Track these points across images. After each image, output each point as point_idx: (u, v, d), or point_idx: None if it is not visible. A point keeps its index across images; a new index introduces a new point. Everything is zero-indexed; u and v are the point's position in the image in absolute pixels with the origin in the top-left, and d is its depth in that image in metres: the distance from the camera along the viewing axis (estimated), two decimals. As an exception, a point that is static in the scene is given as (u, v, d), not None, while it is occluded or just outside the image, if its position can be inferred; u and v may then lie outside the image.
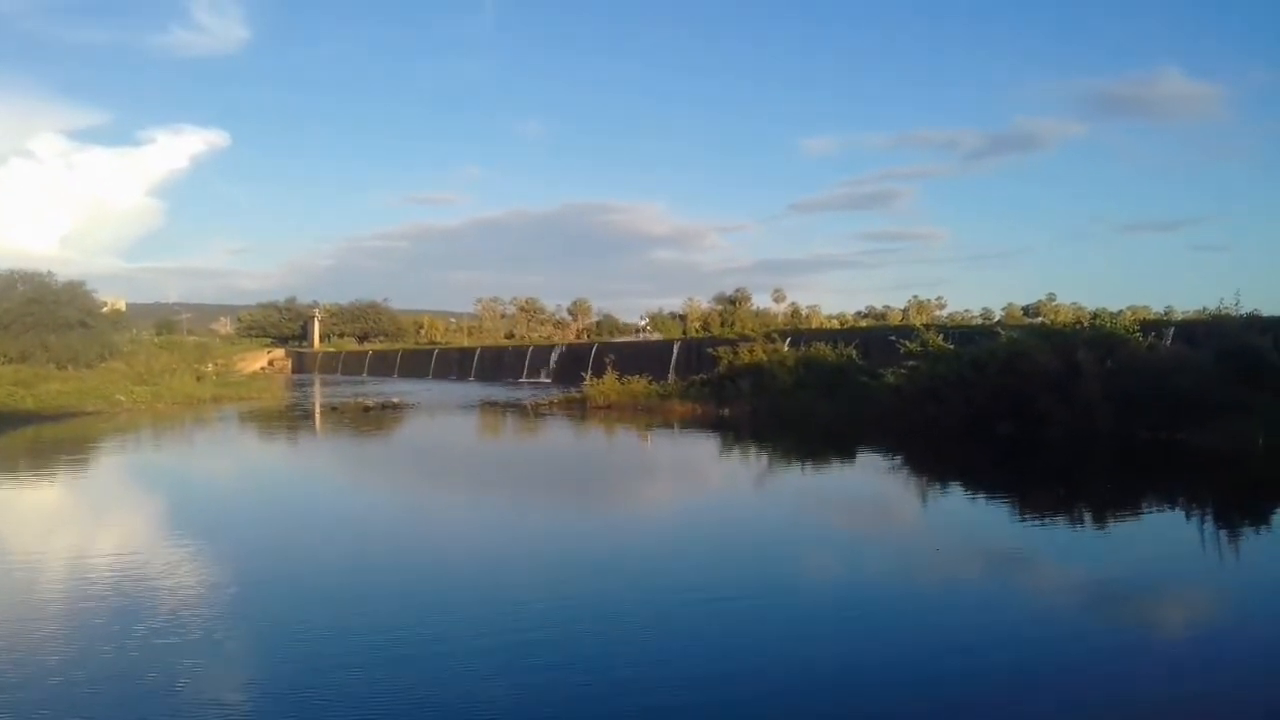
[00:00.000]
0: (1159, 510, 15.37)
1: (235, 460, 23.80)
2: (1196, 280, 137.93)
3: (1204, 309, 29.47)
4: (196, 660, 7.30)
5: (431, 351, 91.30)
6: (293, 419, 37.47)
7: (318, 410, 42.91)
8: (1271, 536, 13.05)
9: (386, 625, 8.20)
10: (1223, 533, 13.07)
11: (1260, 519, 14.26)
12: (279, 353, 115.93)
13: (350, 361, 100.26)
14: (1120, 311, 35.20)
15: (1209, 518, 14.39)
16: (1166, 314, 61.63)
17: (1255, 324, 24.35)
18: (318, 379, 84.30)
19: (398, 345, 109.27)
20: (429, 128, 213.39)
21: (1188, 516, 14.68)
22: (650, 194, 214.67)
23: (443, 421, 36.02)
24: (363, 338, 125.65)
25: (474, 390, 56.20)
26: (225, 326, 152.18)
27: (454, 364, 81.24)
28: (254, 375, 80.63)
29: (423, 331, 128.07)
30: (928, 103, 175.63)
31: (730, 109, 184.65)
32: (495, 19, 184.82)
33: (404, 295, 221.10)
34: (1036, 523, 14.08)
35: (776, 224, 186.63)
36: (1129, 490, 17.09)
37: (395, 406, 41.12)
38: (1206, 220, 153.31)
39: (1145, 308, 74.19)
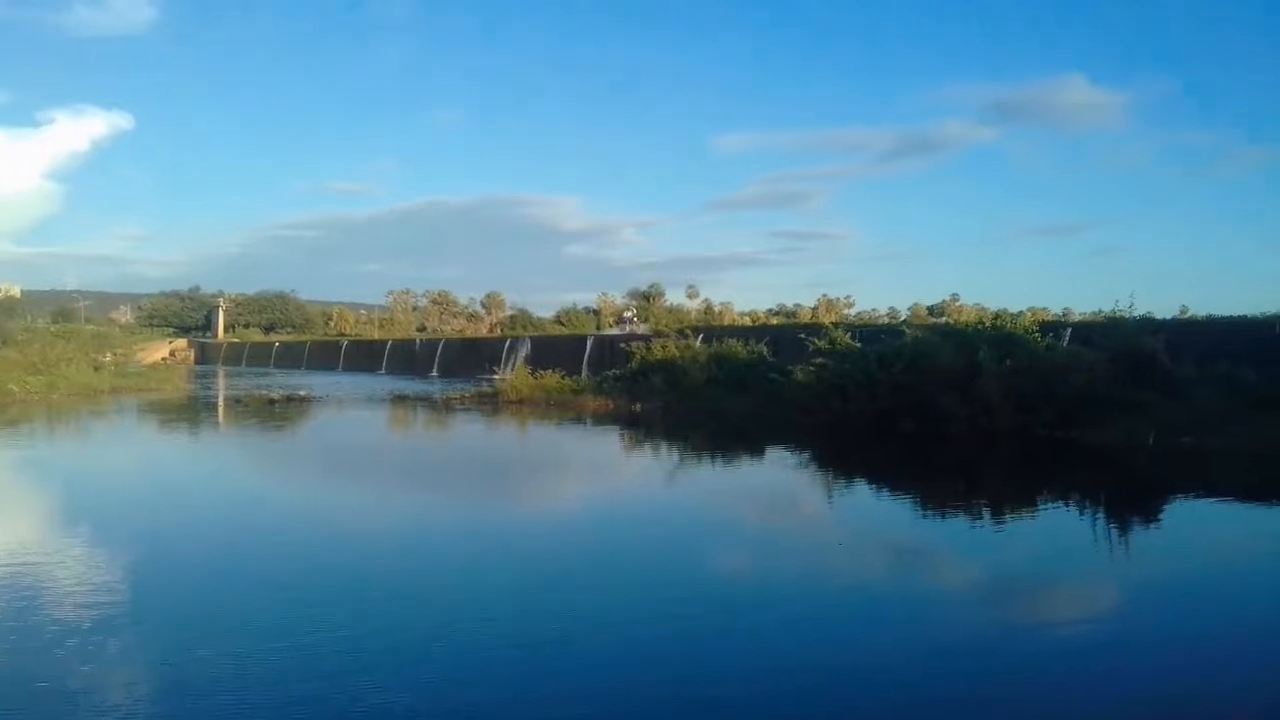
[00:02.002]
0: (1052, 505, 15.85)
1: (131, 455, 23.11)
2: (1094, 283, 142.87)
3: (1100, 311, 30.43)
4: (80, 670, 7.12)
5: (341, 343, 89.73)
6: (194, 411, 36.55)
7: (220, 402, 41.92)
8: (1161, 529, 13.59)
9: (276, 638, 7.86)
10: (1114, 526, 13.60)
11: (1152, 513, 14.84)
12: (181, 343, 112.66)
13: (256, 353, 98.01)
14: (1021, 312, 36.04)
15: (1100, 512, 14.95)
16: (1064, 315, 63.51)
17: (1148, 326, 25.29)
18: (222, 370, 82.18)
19: (306, 337, 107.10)
20: (343, 116, 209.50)
21: (1080, 511, 15.21)
22: (566, 188, 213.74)
23: (351, 415, 35.45)
24: (269, 329, 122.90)
25: (384, 383, 55.41)
26: (125, 315, 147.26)
27: (364, 357, 79.99)
28: (155, 366, 78.29)
29: (332, 323, 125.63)
30: (839, 104, 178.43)
31: (648, 106, 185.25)
32: (413, 7, 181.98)
33: (314, 286, 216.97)
34: (937, 518, 14.47)
35: (691, 220, 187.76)
36: (1025, 486, 17.66)
37: (302, 399, 40.33)
38: (1105, 225, 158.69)
39: (1044, 309, 76.36)
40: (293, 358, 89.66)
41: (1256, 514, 15.01)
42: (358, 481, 18.61)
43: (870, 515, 14.77)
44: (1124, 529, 13.47)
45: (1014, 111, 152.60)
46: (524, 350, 53.19)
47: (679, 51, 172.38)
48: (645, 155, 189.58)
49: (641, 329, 63.67)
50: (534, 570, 10.46)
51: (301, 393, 43.53)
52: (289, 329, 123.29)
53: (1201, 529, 13.60)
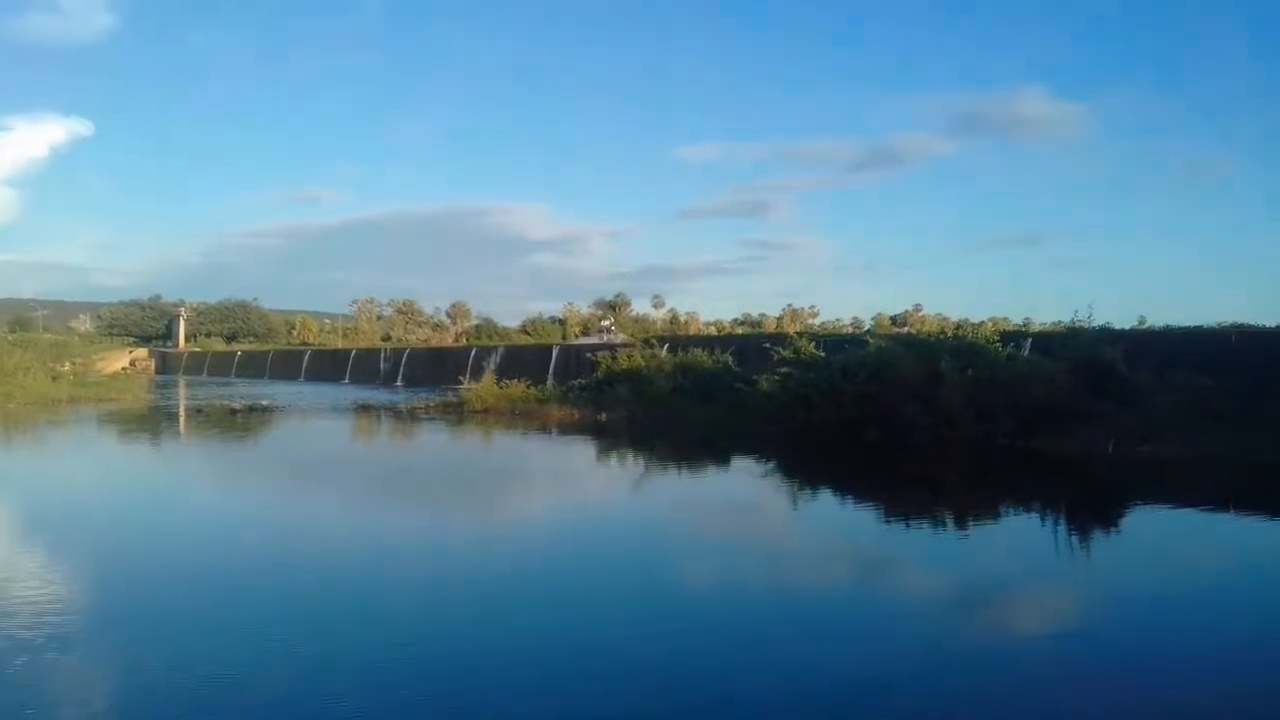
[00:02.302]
0: (1014, 515, 16.01)
1: (86, 466, 22.74)
2: (1054, 294, 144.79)
3: (1059, 322, 30.82)
4: (26, 688, 6.98)
5: (304, 353, 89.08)
6: (154, 421, 36.06)
7: (181, 412, 41.43)
8: (1121, 538, 13.73)
9: (231, 656, 7.69)
10: (1075, 535, 13.73)
11: (1112, 522, 15.00)
12: (142, 352, 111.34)
13: (217, 362, 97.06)
14: (982, 322, 36.57)
15: (1060, 521, 15.09)
16: (1025, 325, 64.16)
17: (1106, 336, 25.60)
18: (183, 380, 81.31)
19: (268, 346, 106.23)
20: (307, 123, 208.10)
21: (1041, 520, 15.38)
22: (533, 197, 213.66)
23: (314, 425, 35.16)
24: (231, 338, 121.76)
25: (347, 393, 55.02)
26: (85, 324, 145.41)
27: (328, 366, 79.41)
28: (115, 375, 77.38)
29: (295, 332, 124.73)
30: (805, 117, 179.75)
31: (615, 116, 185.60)
32: (377, 14, 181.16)
33: (277, 295, 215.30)
34: (901, 527, 14.55)
35: (658, 230, 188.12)
36: (987, 495, 17.80)
37: (264, 409, 39.92)
38: (1064, 236, 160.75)
39: (1005, 319, 77.10)
40: (255, 367, 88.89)
41: (1215, 522, 15.21)
42: (319, 493, 18.42)
43: (835, 525, 14.82)
44: (1085, 538, 13.60)
45: (975, 124, 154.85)
46: (496, 358, 52.92)
47: (647, 61, 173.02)
48: (612, 165, 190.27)
49: (620, 338, 63.20)
50: (497, 584, 10.37)
51: (264, 403, 43.11)
52: (251, 338, 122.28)
53: (1161, 538, 13.75)
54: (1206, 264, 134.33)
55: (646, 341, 39.92)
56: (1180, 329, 30.48)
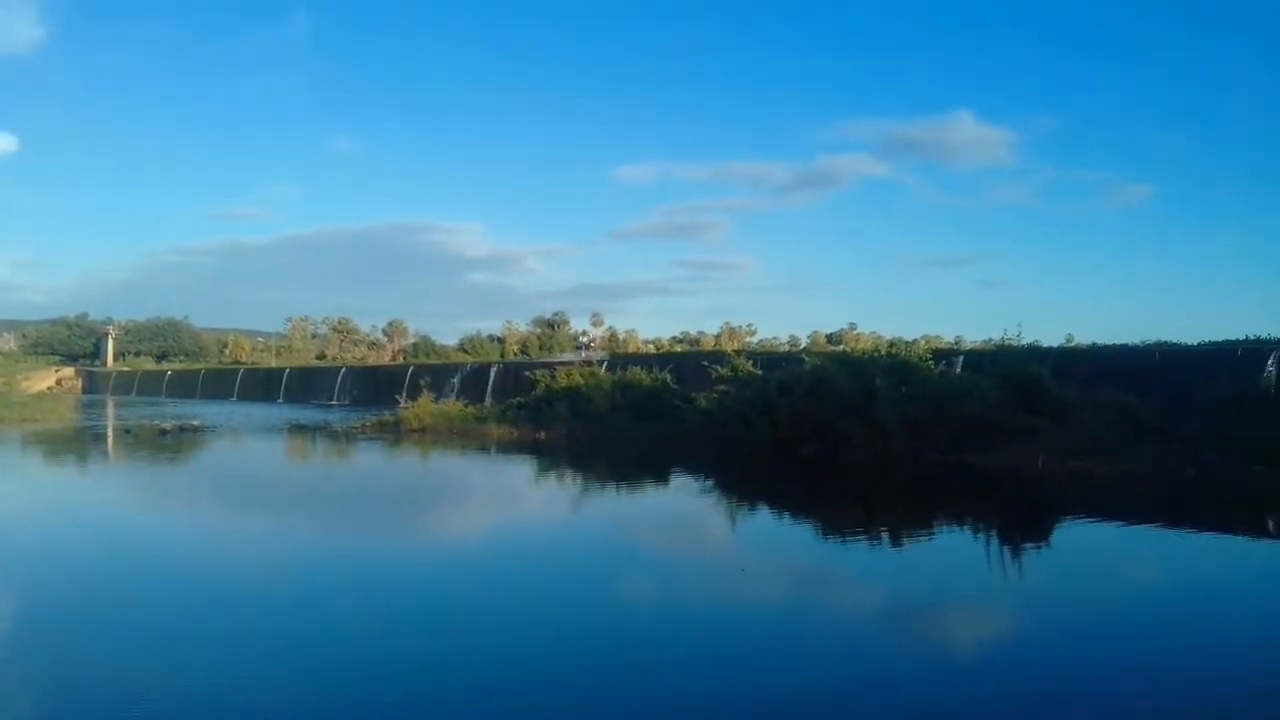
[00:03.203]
0: (946, 529, 16.29)
1: (5, 489, 22.13)
2: (984, 313, 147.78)
3: (990, 340, 31.51)
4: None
5: (237, 372, 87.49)
6: (80, 442, 35.16)
7: (109, 433, 40.49)
8: (1050, 551, 14.05)
9: (153, 687, 7.46)
10: (1006, 548, 14.01)
11: (1041, 535, 15.34)
12: (68, 371, 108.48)
13: (147, 382, 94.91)
14: (915, 340, 37.12)
15: (991, 535, 15.39)
16: (957, 343, 65.49)
17: (1035, 354, 26.24)
18: (111, 400, 79.30)
19: (199, 365, 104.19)
20: (240, 140, 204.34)
21: (973, 534, 15.68)
22: (469, 215, 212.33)
23: (246, 445, 34.56)
24: (161, 357, 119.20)
25: (282, 412, 54.20)
26: (8, 343, 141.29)
27: (261, 385, 78.11)
28: (40, 395, 75.31)
29: (227, 351, 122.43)
30: (740, 138, 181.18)
31: (552, 135, 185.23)
32: (310, 31, 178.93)
33: (209, 313, 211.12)
34: (837, 542, 14.75)
35: (595, 249, 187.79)
36: (920, 510, 18.07)
37: (195, 429, 39.13)
38: (994, 257, 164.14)
39: (938, 337, 78.52)
40: (186, 387, 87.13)
41: (1140, 535, 15.60)
42: (248, 516, 18.06)
43: (772, 542, 14.95)
44: (1016, 551, 13.87)
45: (907, 147, 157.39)
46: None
47: (582, 81, 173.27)
48: (549, 184, 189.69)
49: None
50: (431, 605, 10.32)
51: (194, 422, 42.25)
52: (182, 357, 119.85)
53: (1088, 551, 14.09)
54: (1130, 284, 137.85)
55: (585, 360, 39.95)
56: (1106, 347, 31.37)
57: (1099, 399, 22.90)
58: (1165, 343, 30.06)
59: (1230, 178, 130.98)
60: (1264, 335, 26.86)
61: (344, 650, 8.42)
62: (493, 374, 51.38)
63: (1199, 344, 29.34)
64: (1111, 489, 19.39)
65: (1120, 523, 16.48)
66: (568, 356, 61.20)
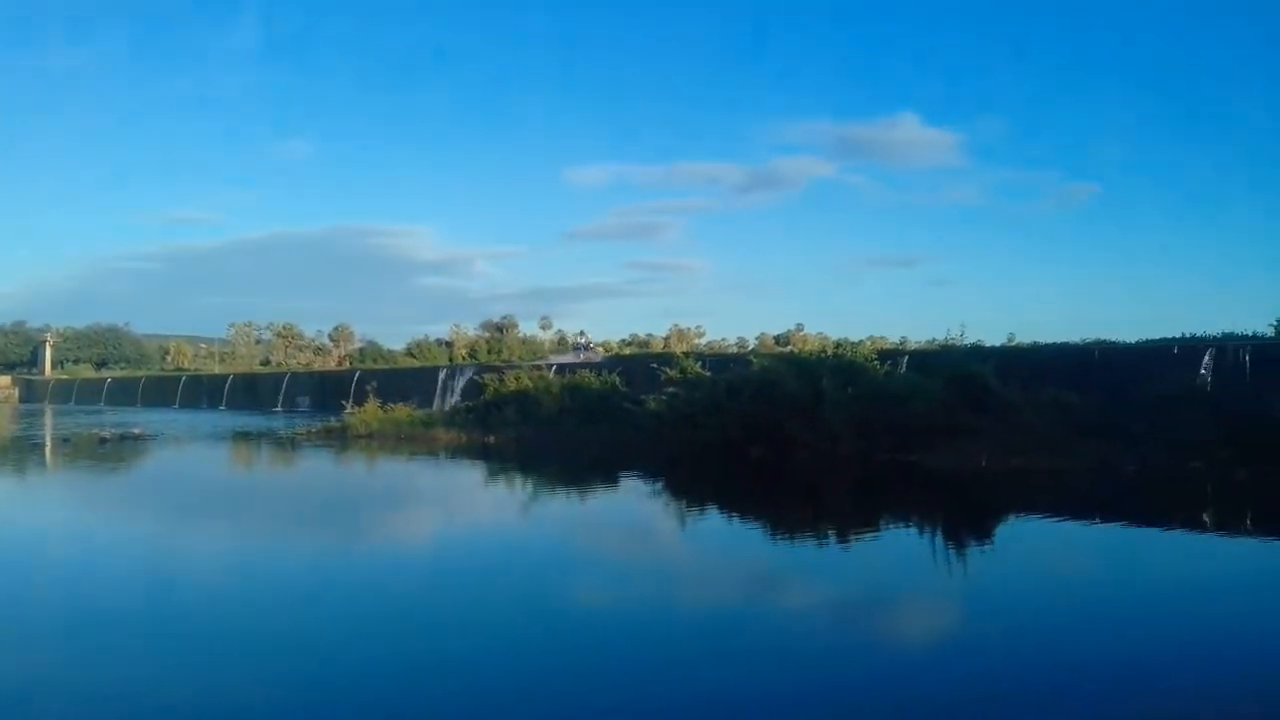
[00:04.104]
0: (893, 527, 16.46)
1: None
2: (930, 312, 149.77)
3: (934, 340, 31.89)
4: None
5: (179, 378, 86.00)
6: (16, 452, 34.39)
7: (47, 442, 39.63)
8: (996, 548, 14.25)
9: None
10: (951, 546, 14.18)
11: (985, 532, 15.55)
12: (4, 380, 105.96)
13: (87, 390, 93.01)
14: (861, 341, 37.52)
15: (937, 532, 15.56)
16: (902, 344, 66.04)
17: (979, 353, 26.61)
18: (49, 409, 77.65)
19: (141, 372, 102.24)
20: (187, 143, 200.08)
21: (919, 532, 15.85)
22: (420, 218, 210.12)
23: (189, 453, 34.00)
24: (101, 364, 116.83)
25: (225, 420, 53.39)
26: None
27: (204, 392, 76.90)
28: (-27, 405, 73.67)
29: (169, 358, 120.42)
30: (691, 140, 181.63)
31: (501, 137, 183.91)
32: (261, 33, 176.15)
33: (151, 320, 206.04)
34: (785, 543, 14.84)
35: (547, 252, 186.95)
36: (867, 509, 18.27)
37: (136, 437, 38.39)
38: (939, 258, 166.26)
39: (883, 338, 79.22)
40: (127, 395, 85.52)
41: (1079, 531, 15.87)
42: (191, 524, 17.74)
43: (721, 543, 15.00)
44: (959, 549, 14.04)
45: (854, 149, 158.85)
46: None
47: (533, 84, 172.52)
48: (499, 187, 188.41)
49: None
50: (376, 613, 10.20)
51: (135, 431, 41.46)
52: (123, 364, 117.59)
53: (1030, 547, 14.34)
54: (1071, 283, 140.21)
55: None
56: (1047, 345, 31.81)
57: (1040, 397, 23.25)
58: (1104, 341, 30.55)
59: (1168, 178, 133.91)
60: (1200, 333, 27.41)
61: (288, 658, 8.31)
62: (440, 378, 51.02)
63: (1137, 342, 29.85)
64: (1053, 486, 19.71)
65: (1060, 519, 16.77)
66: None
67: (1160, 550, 14.14)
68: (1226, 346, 24.67)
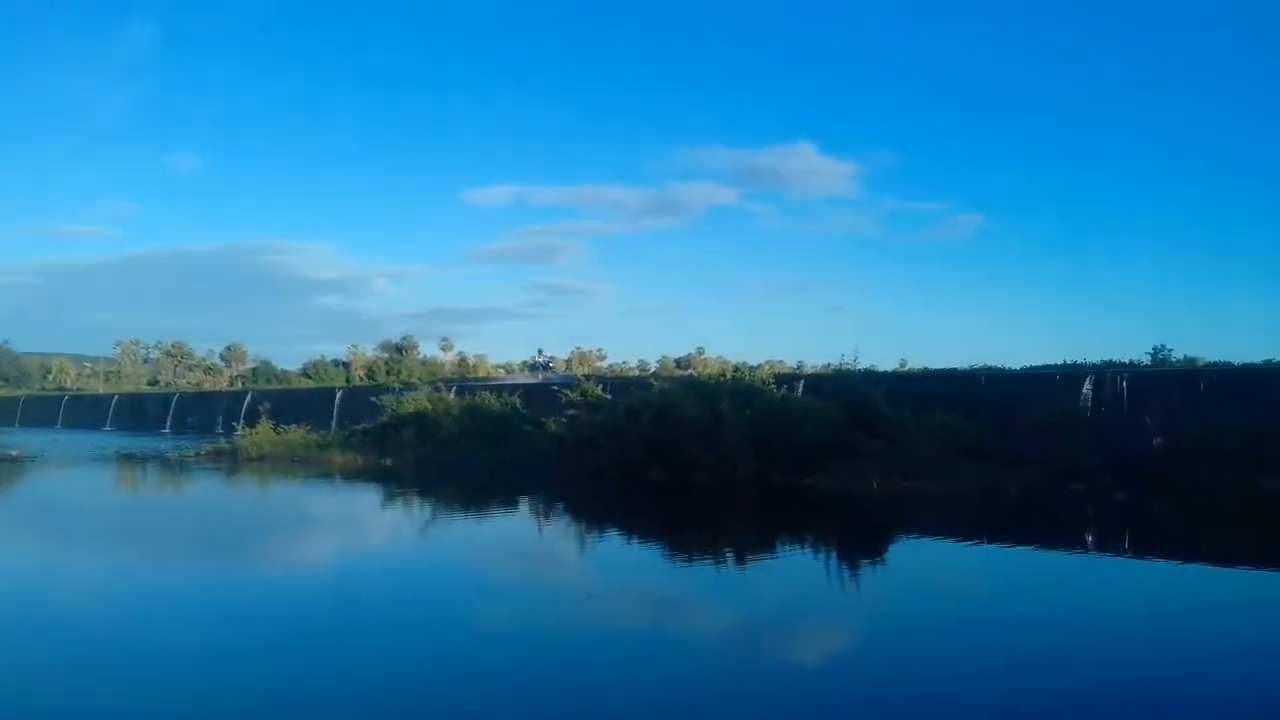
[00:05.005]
0: (787, 549, 16.74)
1: None
2: (826, 337, 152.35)
3: (829, 364, 32.54)
4: None
5: (61, 398, 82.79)
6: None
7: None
8: (887, 569, 14.62)
9: None
10: (844, 566, 14.52)
11: (875, 552, 15.94)
12: None
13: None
14: (759, 365, 38.00)
15: (829, 553, 15.92)
16: (798, 368, 67.09)
17: (871, 378, 27.28)
18: (-83, 430, 74.00)
19: (20, 391, 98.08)
20: (72, 154, 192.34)
21: (813, 553, 16.18)
22: (317, 236, 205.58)
23: (71, 476, 32.74)
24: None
25: (110, 441, 51.47)
26: None
27: (88, 412, 74.13)
28: None
29: (51, 376, 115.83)
30: (593, 164, 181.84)
31: (405, 154, 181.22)
32: (154, 44, 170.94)
33: (32, 337, 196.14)
34: (683, 565, 14.97)
35: (449, 272, 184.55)
36: (763, 531, 18.54)
37: (14, 459, 36.78)
38: (836, 283, 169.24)
39: (781, 361, 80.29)
40: (4, 414, 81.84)
41: (963, 551, 16.39)
42: (70, 550, 17.10)
43: (617, 565, 15.08)
44: (852, 569, 14.38)
45: (753, 176, 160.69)
46: (263, 404, 49.75)
47: (435, 101, 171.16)
48: (399, 206, 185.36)
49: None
50: (263, 643, 10.01)
51: (13, 452, 39.67)
52: (1, 383, 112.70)
53: (916, 567, 14.79)
54: (959, 310, 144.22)
55: (434, 384, 39.36)
56: (937, 371, 32.84)
57: (930, 421, 23.96)
58: (991, 367, 31.65)
59: (1052, 210, 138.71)
60: (1081, 360, 28.58)
61: (168, 688, 8.11)
62: (337, 400, 50.14)
63: (1022, 369, 31.02)
64: (940, 508, 20.30)
65: (946, 540, 17.30)
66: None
67: (1038, 570, 14.70)
68: (1106, 374, 25.73)
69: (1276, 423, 20.65)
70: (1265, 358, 31.12)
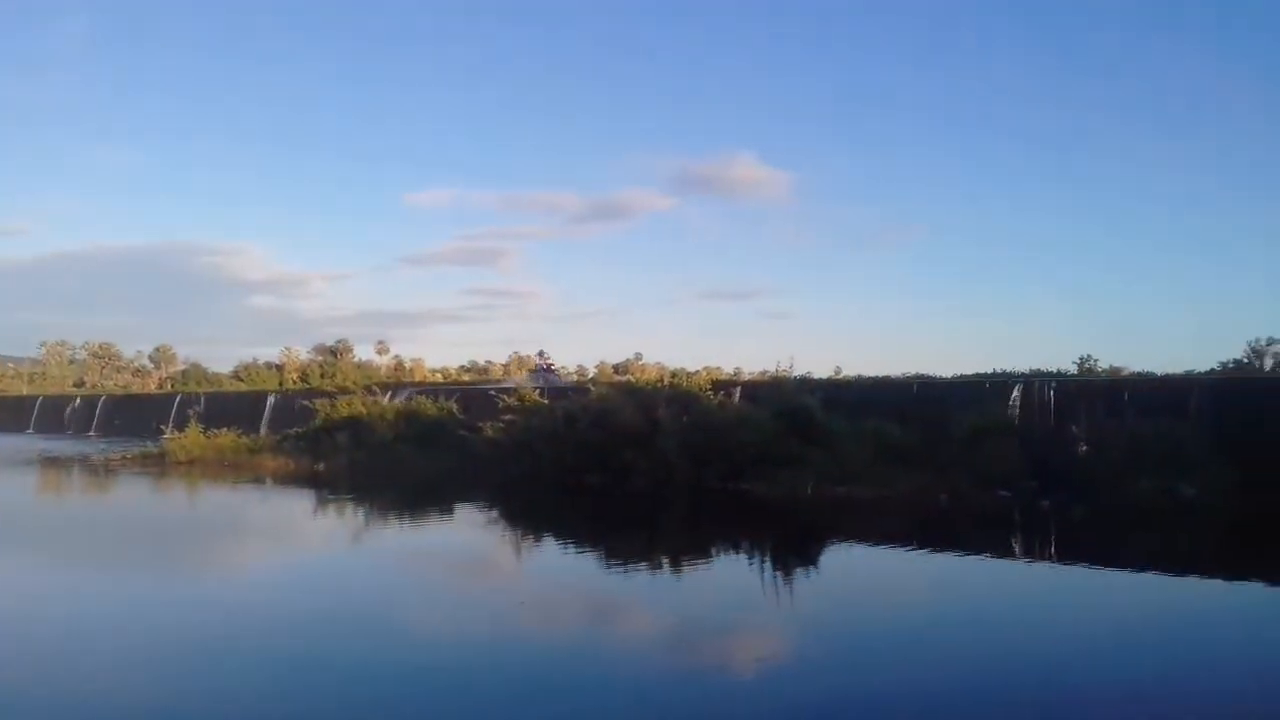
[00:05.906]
0: (721, 554, 16.90)
1: None
2: (764, 344, 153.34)
3: (766, 371, 32.88)
4: None
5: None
6: None
7: None
8: (820, 574, 14.80)
9: None
10: (778, 571, 14.67)
11: (809, 558, 16.13)
12: None
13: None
14: (697, 371, 38.25)
15: (763, 559, 16.09)
16: (735, 374, 67.63)
17: (806, 385, 27.56)
18: None
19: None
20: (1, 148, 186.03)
21: (748, 559, 16.35)
22: (252, 236, 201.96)
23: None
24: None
25: (33, 444, 50.15)
26: None
27: (9, 414, 72.11)
28: None
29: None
30: (534, 168, 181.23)
31: (344, 155, 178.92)
32: (86, 36, 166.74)
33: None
34: (618, 571, 15.00)
35: (385, 275, 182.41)
36: (699, 537, 18.70)
37: (-70, 463, 35.79)
38: (774, 291, 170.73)
39: (719, 368, 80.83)
40: (-80, 416, 79.39)
41: (894, 556, 16.65)
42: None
43: (551, 572, 15.09)
44: (784, 574, 14.53)
45: (693, 184, 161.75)
46: (193, 407, 49.10)
47: (374, 103, 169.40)
48: (337, 208, 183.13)
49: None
50: (189, 655, 9.85)
51: (-73, 456, 38.58)
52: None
53: (848, 572, 15.04)
54: (893, 319, 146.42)
55: (369, 388, 38.95)
56: (870, 379, 33.32)
57: (864, 429, 24.25)
58: (924, 376, 32.24)
59: (987, 221, 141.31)
60: (1010, 369, 29.20)
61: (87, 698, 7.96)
62: (269, 403, 49.40)
63: (953, 377, 31.59)
64: (873, 514, 20.57)
65: (877, 545, 17.58)
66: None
67: (963, 574, 15.00)
68: (1033, 382, 26.28)
69: (1195, 432, 21.29)
70: (1186, 368, 32.11)
